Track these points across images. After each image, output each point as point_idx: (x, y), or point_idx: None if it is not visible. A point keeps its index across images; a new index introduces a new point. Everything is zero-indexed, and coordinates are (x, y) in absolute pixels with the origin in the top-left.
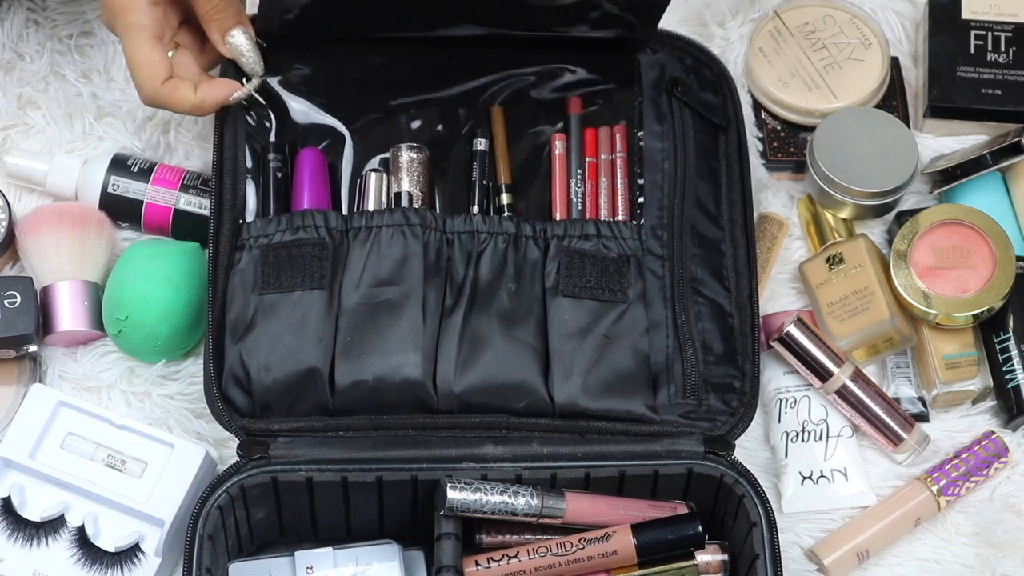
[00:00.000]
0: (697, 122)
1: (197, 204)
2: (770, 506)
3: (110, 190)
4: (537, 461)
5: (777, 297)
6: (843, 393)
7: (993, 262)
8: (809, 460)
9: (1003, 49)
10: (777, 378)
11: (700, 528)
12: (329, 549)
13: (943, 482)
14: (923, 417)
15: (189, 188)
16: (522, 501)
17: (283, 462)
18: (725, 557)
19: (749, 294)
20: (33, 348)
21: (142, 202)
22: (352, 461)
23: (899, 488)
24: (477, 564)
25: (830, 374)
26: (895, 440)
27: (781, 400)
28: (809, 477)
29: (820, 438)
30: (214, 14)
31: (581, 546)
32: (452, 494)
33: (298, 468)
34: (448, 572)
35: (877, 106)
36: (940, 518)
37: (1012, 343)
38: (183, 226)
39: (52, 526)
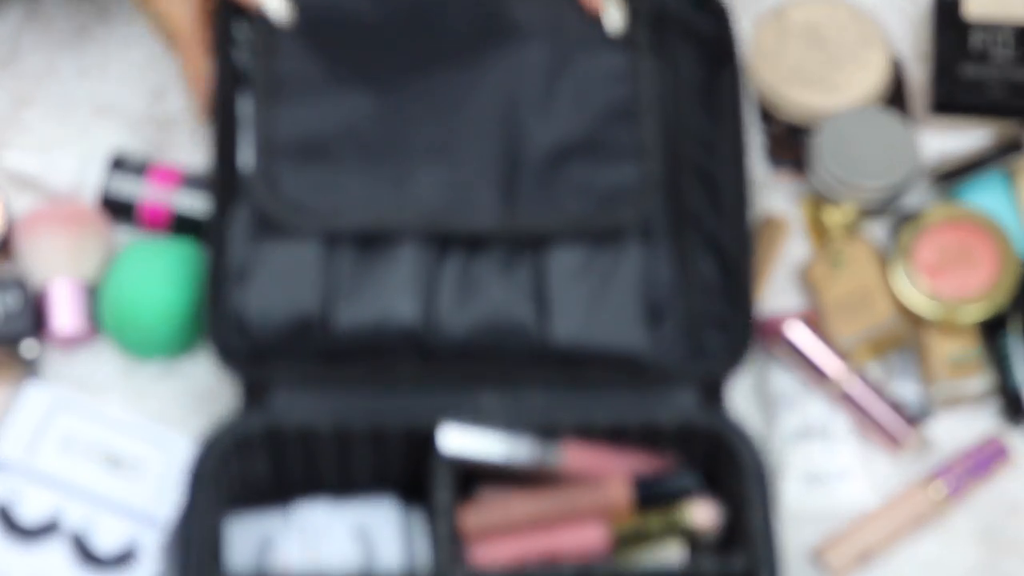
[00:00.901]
0: (693, 55)
1: (195, 203)
2: (763, 457)
3: (107, 189)
4: (534, 410)
5: (779, 297)
6: (845, 394)
7: (996, 262)
8: (811, 461)
9: (1006, 48)
10: (777, 379)
11: (695, 478)
12: (325, 500)
13: (946, 482)
14: (926, 416)
15: (187, 187)
16: (519, 449)
17: (281, 410)
18: (720, 508)
19: (745, 229)
20: (29, 348)
21: (139, 202)
22: (349, 409)
23: (901, 489)
24: (474, 512)
25: (832, 375)
26: (897, 441)
27: (780, 402)
28: (811, 479)
29: (820, 439)
30: None
31: (577, 495)
32: (449, 442)
33: (296, 417)
34: (444, 518)
35: (879, 104)
36: (943, 519)
37: (1015, 343)
38: (181, 226)
39: (47, 529)
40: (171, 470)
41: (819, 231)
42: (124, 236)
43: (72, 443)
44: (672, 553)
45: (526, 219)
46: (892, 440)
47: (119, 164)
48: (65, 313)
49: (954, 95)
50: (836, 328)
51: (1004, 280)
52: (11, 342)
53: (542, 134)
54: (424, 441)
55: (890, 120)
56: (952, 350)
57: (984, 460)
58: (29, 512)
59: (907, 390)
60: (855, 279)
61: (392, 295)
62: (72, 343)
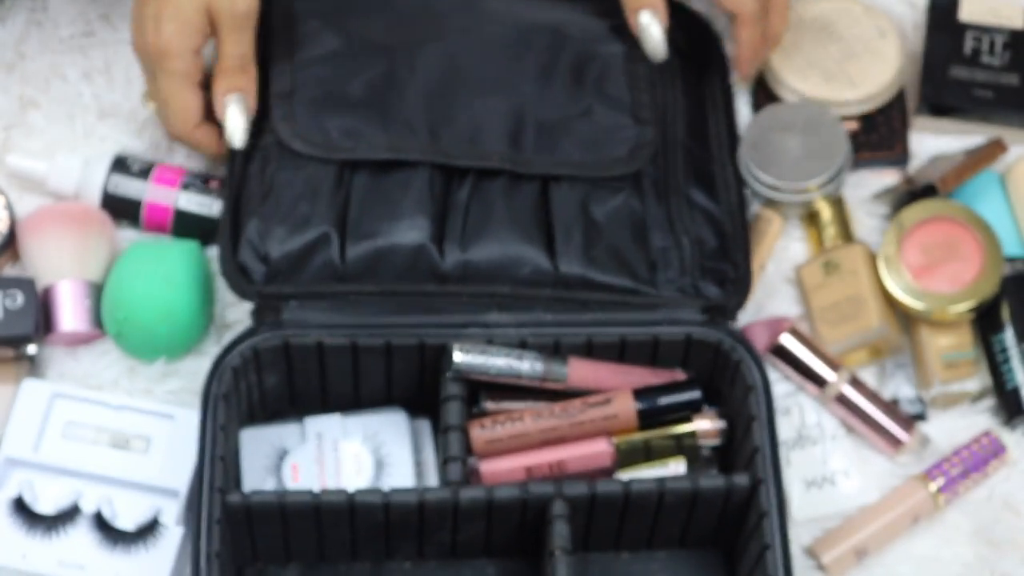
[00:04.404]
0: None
1: (197, 203)
2: (766, 371)
3: (110, 190)
4: (541, 327)
5: (773, 299)
6: (841, 399)
7: (981, 251)
8: (810, 466)
9: (998, 53)
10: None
11: (699, 393)
12: (338, 415)
13: (941, 481)
14: (922, 417)
15: (189, 187)
16: (526, 365)
17: (295, 326)
18: (723, 423)
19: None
20: (32, 348)
21: (142, 201)
22: (361, 326)
23: (897, 486)
24: (482, 426)
25: (827, 381)
26: (896, 443)
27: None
28: (813, 483)
29: (816, 443)
30: (227, 71)
31: (583, 409)
32: (458, 356)
33: (309, 332)
34: (454, 432)
35: (894, 96)
36: (938, 516)
37: (1010, 342)
38: (183, 225)
39: (68, 516)
40: (178, 442)
41: (818, 235)
42: (128, 236)
43: (77, 433)
44: (675, 468)
45: (532, 164)
46: (891, 443)
47: (121, 164)
48: (70, 313)
49: (943, 96)
50: (824, 333)
51: (990, 270)
52: (14, 342)
53: (546, 88)
54: (434, 357)
55: (821, 114)
56: (948, 350)
57: (980, 458)
58: (47, 502)
59: (903, 390)
60: (848, 286)
61: (404, 220)
62: (76, 343)
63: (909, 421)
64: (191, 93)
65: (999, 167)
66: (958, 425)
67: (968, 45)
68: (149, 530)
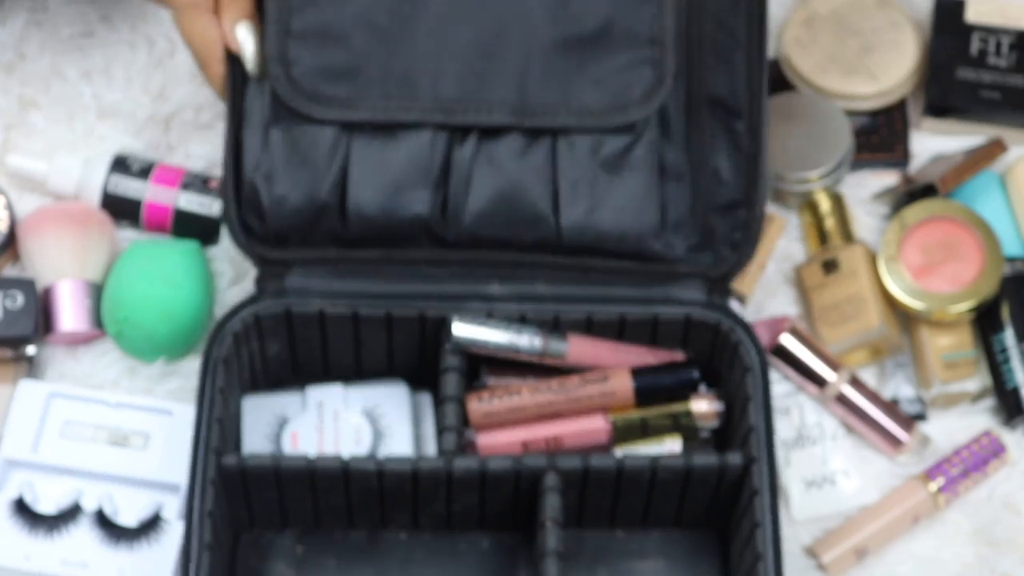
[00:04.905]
0: None
1: (197, 203)
2: (764, 352)
3: (110, 190)
4: (541, 302)
5: (773, 298)
6: (841, 399)
7: (981, 251)
8: (810, 466)
9: (1004, 54)
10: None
11: (696, 373)
12: (339, 385)
13: (941, 480)
14: (922, 417)
15: (189, 187)
16: (525, 340)
17: (297, 294)
18: (720, 403)
19: (759, 119)
20: (31, 349)
21: (142, 201)
22: (363, 295)
23: (897, 486)
24: (479, 399)
25: (827, 381)
26: (896, 443)
27: (774, 410)
28: (813, 483)
29: (816, 443)
30: (227, 2)
31: (580, 386)
32: (458, 328)
33: (311, 301)
34: (451, 403)
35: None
36: (939, 516)
37: (1010, 342)
38: (183, 225)
39: (70, 515)
40: (177, 437)
41: (818, 235)
42: (128, 236)
43: (75, 432)
44: (671, 446)
45: (539, 113)
46: (891, 443)
47: (121, 164)
48: (70, 313)
49: (949, 96)
50: (824, 333)
51: (990, 270)
52: (13, 342)
53: (556, 23)
54: (435, 329)
55: (824, 105)
56: (948, 350)
57: (980, 458)
58: (48, 502)
59: (904, 390)
60: (847, 286)
61: (406, 181)
62: (77, 342)
63: (909, 421)
64: (208, 23)
65: (999, 167)
66: (958, 425)
67: (975, 46)
68: (151, 526)
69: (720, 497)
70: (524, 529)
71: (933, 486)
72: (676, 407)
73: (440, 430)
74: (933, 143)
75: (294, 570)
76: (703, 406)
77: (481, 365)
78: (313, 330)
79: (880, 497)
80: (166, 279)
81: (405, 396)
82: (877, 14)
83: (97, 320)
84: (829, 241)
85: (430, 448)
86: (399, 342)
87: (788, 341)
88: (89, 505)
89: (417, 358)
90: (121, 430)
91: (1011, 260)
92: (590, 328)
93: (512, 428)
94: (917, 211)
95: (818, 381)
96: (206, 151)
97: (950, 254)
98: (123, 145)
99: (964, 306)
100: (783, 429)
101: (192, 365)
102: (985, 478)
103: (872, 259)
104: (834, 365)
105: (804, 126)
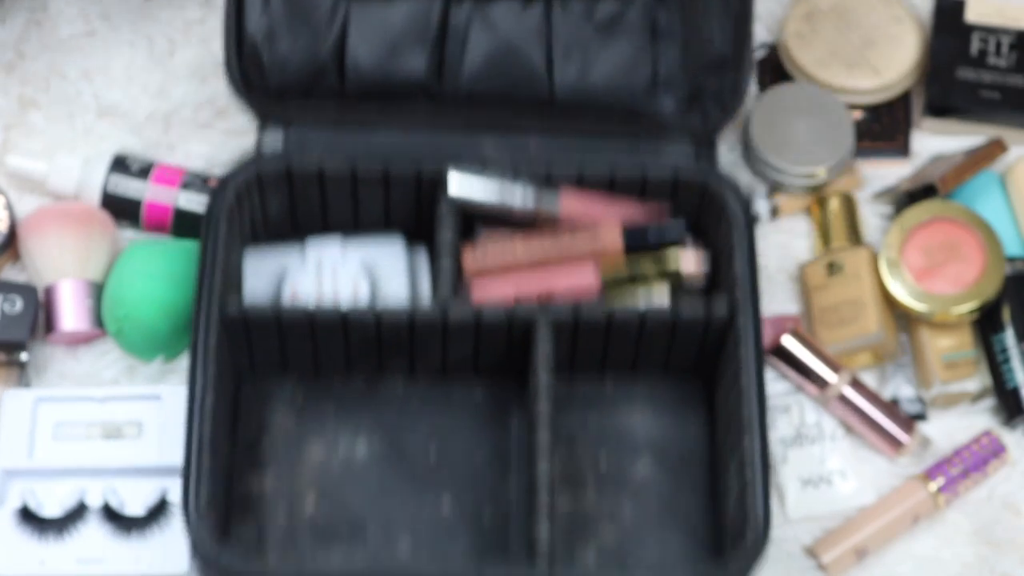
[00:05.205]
0: None
1: (197, 203)
2: (750, 208)
3: (110, 189)
4: (534, 160)
5: (773, 296)
6: (842, 401)
7: (982, 252)
8: (807, 465)
9: (1004, 54)
10: (767, 386)
11: (684, 227)
12: (338, 239)
13: (941, 480)
14: (922, 417)
15: (189, 187)
16: (519, 194)
17: (297, 150)
18: (706, 259)
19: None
20: (24, 356)
21: (142, 201)
22: (361, 151)
23: (897, 486)
24: (474, 250)
25: (828, 383)
26: (897, 445)
27: (774, 407)
28: (809, 482)
29: (815, 442)
30: None
31: (571, 238)
32: (454, 183)
33: (310, 158)
34: (448, 256)
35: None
36: (939, 516)
37: (1010, 342)
38: (183, 224)
39: (77, 514)
40: (170, 420)
41: (824, 234)
42: (129, 235)
43: (68, 432)
44: (658, 297)
45: None
46: (892, 445)
47: (121, 164)
48: (71, 312)
49: (949, 97)
50: (822, 334)
51: (992, 270)
52: (7, 347)
53: None
54: (431, 186)
55: (825, 98)
56: (948, 350)
57: (980, 458)
58: (53, 505)
59: (904, 390)
60: (848, 289)
61: (403, 41)
62: (77, 342)
63: (910, 423)
64: None
65: (999, 167)
66: (958, 425)
67: (975, 46)
68: (159, 511)
69: (706, 346)
70: (517, 379)
71: (933, 486)
72: (664, 261)
73: (435, 279)
74: (933, 143)
75: (294, 417)
76: (690, 260)
77: (476, 222)
78: (312, 187)
79: (877, 498)
80: (165, 278)
81: (401, 250)
82: (878, 8)
83: (98, 320)
84: (835, 242)
85: (426, 302)
86: (396, 199)
87: (790, 343)
88: (94, 501)
89: (413, 216)
90: (113, 422)
91: (1011, 260)
92: (581, 185)
93: (505, 280)
94: (918, 213)
95: (819, 382)
96: (206, 150)
97: (952, 255)
98: (123, 144)
99: (967, 307)
100: (782, 427)
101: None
102: (985, 478)
103: (876, 264)
104: (835, 367)
105: (807, 119)
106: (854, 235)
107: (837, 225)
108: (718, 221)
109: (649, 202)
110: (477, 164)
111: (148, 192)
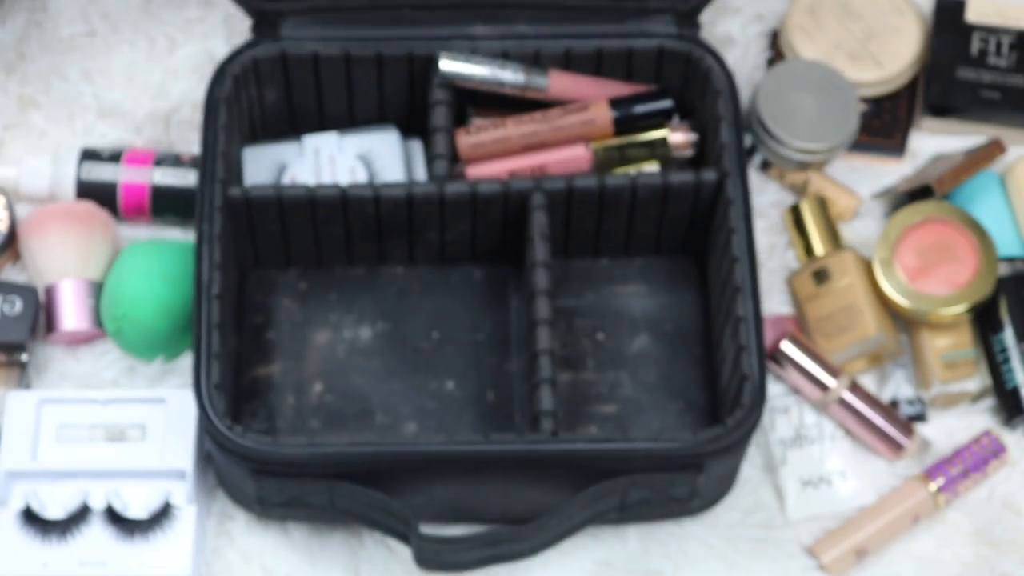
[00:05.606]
0: None
1: (172, 176)
2: (733, 77)
3: (83, 177)
4: (522, 39)
5: (768, 299)
6: (841, 405)
7: (976, 253)
8: (807, 465)
9: (1004, 54)
10: (768, 387)
11: (671, 101)
12: (335, 133)
13: (941, 480)
14: (921, 417)
15: (162, 163)
16: (509, 72)
17: (291, 39)
18: (694, 135)
19: None
20: (24, 356)
21: (117, 183)
22: (354, 38)
23: (897, 486)
24: (467, 132)
25: (827, 387)
26: (897, 448)
27: (773, 409)
28: (809, 482)
29: (815, 442)
30: None
31: (562, 116)
32: (445, 63)
33: (305, 43)
34: (440, 133)
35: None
36: (939, 516)
37: (1010, 342)
38: (163, 201)
39: (80, 516)
40: (172, 422)
41: (803, 241)
42: (129, 234)
43: (71, 435)
44: (649, 171)
45: None
46: (892, 448)
47: (91, 155)
48: (71, 312)
49: (949, 96)
50: (822, 344)
51: (985, 271)
52: (6, 348)
53: None
54: (423, 71)
55: (832, 75)
56: (947, 350)
57: (980, 458)
58: (56, 507)
59: (903, 391)
60: (840, 296)
61: None
62: (77, 342)
63: (909, 426)
64: None
65: (998, 167)
66: (958, 425)
67: (975, 46)
68: (163, 514)
69: (697, 218)
70: (515, 261)
71: (933, 486)
72: (653, 135)
73: (430, 158)
74: (933, 143)
75: (298, 304)
76: (678, 134)
77: (467, 106)
78: (307, 74)
79: (877, 499)
80: (163, 277)
81: (397, 141)
82: (880, 0)
83: (98, 320)
84: (816, 249)
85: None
86: (389, 87)
87: (788, 348)
88: (97, 504)
89: (407, 106)
90: (117, 425)
91: (1011, 260)
92: (569, 63)
93: (499, 159)
94: (912, 213)
95: (818, 387)
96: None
97: (945, 256)
98: (123, 143)
99: (959, 308)
100: (781, 428)
101: (191, 364)
102: (985, 478)
103: (863, 265)
104: (834, 371)
105: (816, 96)
106: (834, 239)
107: (814, 231)
108: (703, 94)
109: (635, 80)
110: (465, 48)
111: (123, 174)
